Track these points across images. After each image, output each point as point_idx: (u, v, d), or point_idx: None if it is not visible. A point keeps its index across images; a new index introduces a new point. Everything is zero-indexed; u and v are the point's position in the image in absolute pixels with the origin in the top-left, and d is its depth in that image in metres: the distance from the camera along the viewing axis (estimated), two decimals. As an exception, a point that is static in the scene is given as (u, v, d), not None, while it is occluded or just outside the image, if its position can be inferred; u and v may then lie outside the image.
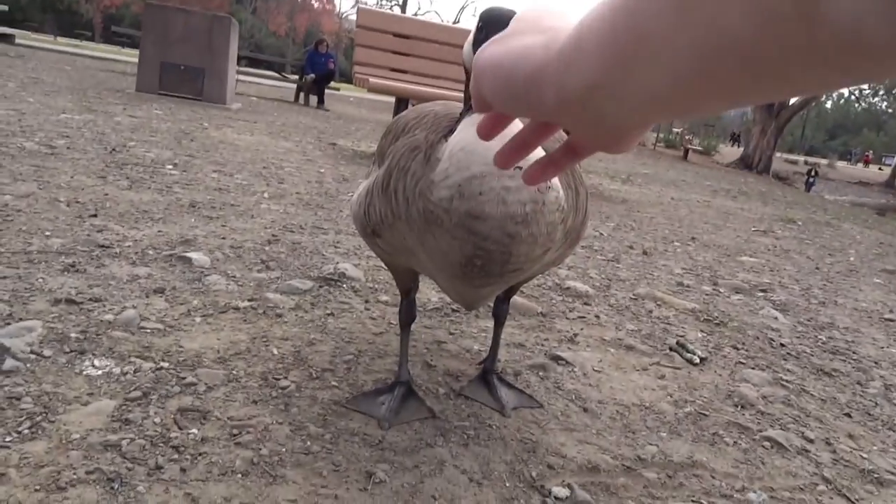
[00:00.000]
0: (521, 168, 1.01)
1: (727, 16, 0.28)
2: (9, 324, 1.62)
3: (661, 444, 1.61)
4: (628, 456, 1.52)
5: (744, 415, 1.86)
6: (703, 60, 0.31)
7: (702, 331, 2.56)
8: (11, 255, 2.09)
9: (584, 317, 2.48)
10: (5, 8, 14.86)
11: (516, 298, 2.49)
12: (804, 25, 0.26)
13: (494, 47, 0.49)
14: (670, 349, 2.27)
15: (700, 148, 22.97)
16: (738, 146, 27.62)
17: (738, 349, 2.41)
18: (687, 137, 23.53)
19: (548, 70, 0.42)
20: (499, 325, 1.74)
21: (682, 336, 2.41)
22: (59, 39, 34.58)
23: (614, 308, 2.67)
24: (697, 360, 2.19)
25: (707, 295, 3.15)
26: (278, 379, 1.60)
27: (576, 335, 2.26)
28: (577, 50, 0.39)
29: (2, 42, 13.01)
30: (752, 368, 2.22)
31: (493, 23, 0.99)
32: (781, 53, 0.28)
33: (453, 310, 2.32)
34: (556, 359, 2.01)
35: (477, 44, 1.02)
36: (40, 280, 1.94)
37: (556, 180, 1.12)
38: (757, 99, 0.33)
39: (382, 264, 2.69)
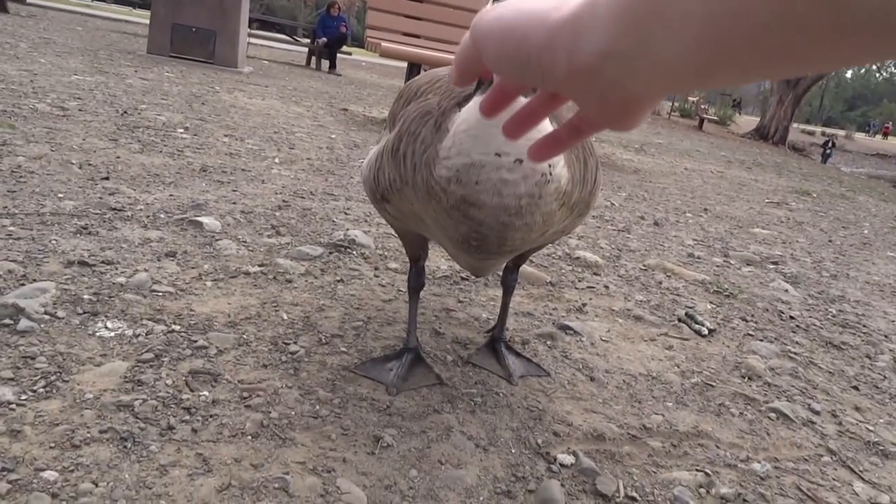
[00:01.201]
0: (521, 161, 1.03)
1: None
2: (23, 285, 1.64)
3: (667, 413, 1.62)
4: (633, 425, 1.53)
5: (750, 386, 1.86)
6: (720, 32, 0.30)
7: (711, 302, 2.55)
8: (25, 217, 2.11)
9: (593, 287, 2.48)
10: (16, -33, 14.71)
11: (525, 268, 2.49)
12: (829, 3, 0.26)
13: (502, 10, 0.47)
14: (679, 320, 2.27)
15: (716, 118, 22.63)
16: (740, 113, 27.12)
17: (746, 321, 2.40)
18: (703, 107, 23.18)
19: (560, 36, 0.41)
20: (507, 293, 1.75)
21: (691, 307, 2.41)
22: (70, -1, 34.29)
23: (624, 279, 2.66)
24: (706, 332, 2.19)
25: (718, 266, 3.14)
26: (288, 344, 1.62)
27: (584, 305, 2.26)
28: (592, 16, 0.38)
29: (13, 1, 12.93)
30: (761, 340, 2.22)
31: None
32: (803, 32, 0.27)
33: (462, 278, 2.32)
34: (565, 328, 2.02)
35: None
36: (53, 242, 1.96)
37: (560, 166, 1.10)
38: (771, 75, 0.32)
39: (392, 231, 2.70)
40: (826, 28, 0.26)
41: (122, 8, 34.24)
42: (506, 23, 0.46)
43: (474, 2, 6.76)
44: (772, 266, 3.34)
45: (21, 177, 2.52)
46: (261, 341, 1.61)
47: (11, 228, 2.00)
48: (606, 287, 2.51)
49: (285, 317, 1.76)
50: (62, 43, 8.33)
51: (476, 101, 1.08)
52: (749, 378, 1.91)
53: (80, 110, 4.05)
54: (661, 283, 2.69)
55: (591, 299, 2.34)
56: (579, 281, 2.52)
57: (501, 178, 1.05)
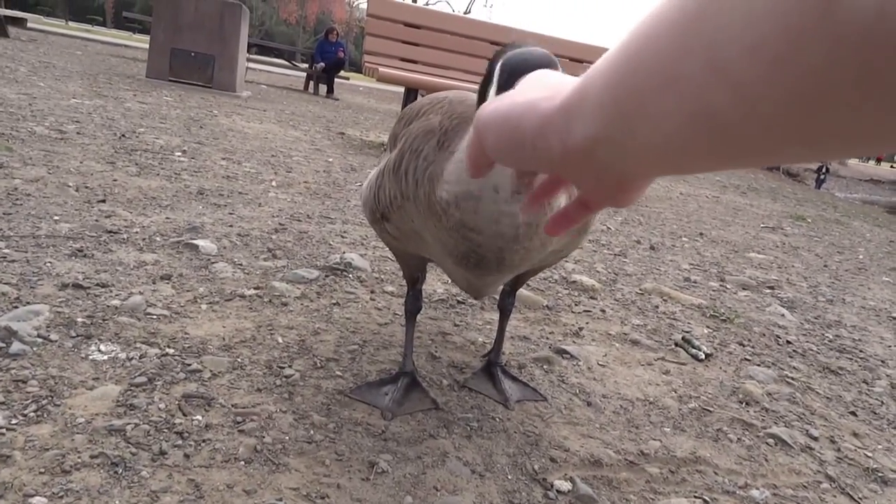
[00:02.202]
0: (519, 194, 1.06)
1: (713, 94, 0.29)
2: (16, 307, 1.63)
3: (665, 439, 1.60)
4: (631, 451, 1.52)
5: (748, 411, 1.85)
6: (696, 128, 0.32)
7: (708, 327, 2.55)
8: (20, 239, 2.10)
9: (589, 311, 2.48)
10: (17, -8, 14.85)
11: (522, 291, 2.48)
12: (795, 110, 0.27)
13: (498, 103, 0.50)
14: (676, 344, 2.26)
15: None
16: None
17: (743, 346, 2.40)
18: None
19: (553, 121, 0.43)
20: (504, 317, 1.74)
21: (687, 332, 2.40)
22: (71, 24, 34.63)
23: (620, 303, 2.66)
24: (703, 356, 2.19)
25: (714, 291, 3.14)
26: (283, 367, 1.60)
27: (581, 329, 2.25)
28: (581, 102, 0.40)
29: (14, 26, 13.03)
30: (758, 365, 2.21)
31: (518, 71, 0.82)
32: (770, 132, 0.29)
33: (459, 301, 2.32)
34: (561, 352, 2.01)
35: (500, 89, 0.93)
36: (48, 264, 1.95)
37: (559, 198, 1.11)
38: (749, 164, 0.33)
39: (389, 255, 2.70)
40: (792, 130, 0.28)
41: (122, 33, 34.55)
42: (502, 113, 0.49)
43: (469, 27, 6.84)
44: (768, 291, 3.34)
45: (17, 199, 2.52)
46: (255, 365, 1.59)
47: (6, 251, 1.99)
48: (603, 311, 2.50)
49: (280, 340, 1.75)
50: (62, 67, 8.39)
51: None
52: (746, 403, 1.90)
53: (78, 133, 4.06)
54: (657, 307, 2.68)
55: (587, 323, 2.33)
56: (576, 305, 2.52)
57: (500, 210, 1.08)
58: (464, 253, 1.15)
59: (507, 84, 0.92)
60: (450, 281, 2.51)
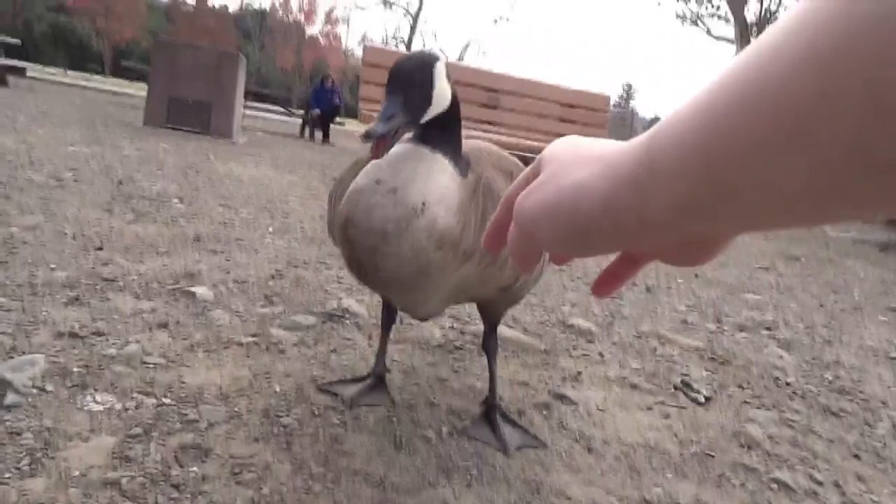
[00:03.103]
0: (395, 190, 1.19)
1: (874, 137, 0.25)
2: (12, 357, 1.62)
3: (667, 484, 1.58)
4: (634, 497, 1.50)
5: (750, 455, 1.83)
6: (822, 182, 0.28)
7: (706, 369, 2.54)
8: (16, 287, 2.10)
9: (587, 354, 2.47)
10: (18, 42, 15.12)
11: (519, 336, 2.48)
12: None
13: (539, 192, 0.46)
14: (675, 388, 2.25)
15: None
16: None
17: (743, 388, 2.39)
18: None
19: (621, 198, 0.39)
20: (490, 358, 1.75)
21: (686, 374, 2.39)
22: (70, 73, 35.14)
23: (618, 346, 2.65)
24: (702, 399, 2.17)
25: (711, 332, 3.13)
26: (280, 416, 1.59)
27: (580, 373, 2.24)
28: (652, 173, 0.36)
29: (13, 75, 13.21)
30: (758, 408, 2.20)
31: (399, 77, 1.16)
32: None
33: (457, 347, 2.31)
34: (561, 397, 2.00)
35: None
36: (44, 313, 1.94)
37: (436, 205, 1.21)
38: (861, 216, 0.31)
39: (386, 299, 2.70)
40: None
41: (120, 81, 35.01)
42: (550, 203, 0.44)
43: (463, 74, 6.98)
44: (765, 332, 3.34)
45: (14, 247, 2.52)
46: (252, 413, 1.58)
47: (2, 299, 1.98)
48: (601, 354, 2.50)
49: (278, 388, 1.74)
50: (60, 115, 8.48)
51: (400, 145, 1.27)
52: (748, 447, 1.89)
53: (75, 181, 4.09)
54: (655, 349, 2.68)
55: (585, 367, 2.32)
56: (574, 348, 2.51)
57: (374, 202, 1.18)
58: (348, 260, 1.25)
59: (393, 91, 1.16)
60: (434, 325, 2.51)
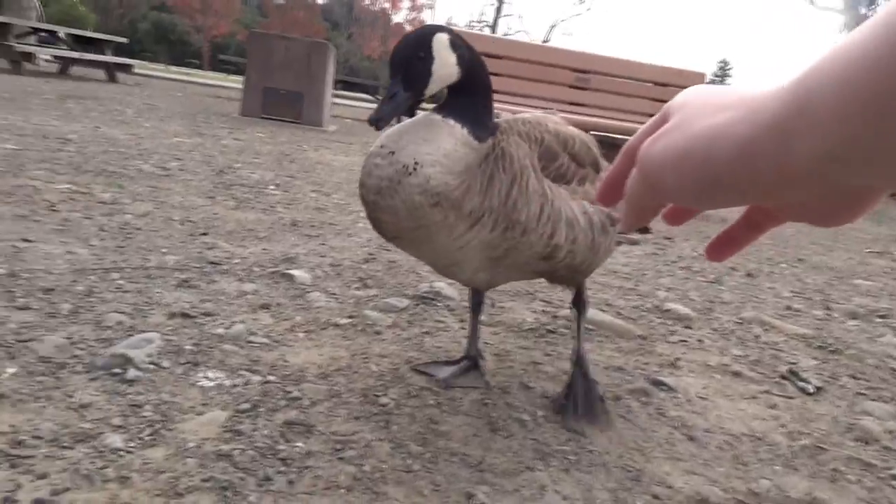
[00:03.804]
0: (392, 153, 1.33)
1: None
2: (130, 335, 1.73)
3: (776, 478, 1.51)
4: (740, 489, 1.44)
5: (866, 450, 1.72)
6: None
7: (815, 358, 2.40)
8: (132, 271, 2.24)
9: (685, 341, 2.39)
10: (125, 40, 16.05)
11: (613, 320, 2.43)
12: None
13: (668, 138, 0.44)
14: (781, 377, 2.14)
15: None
16: None
17: (856, 379, 2.24)
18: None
19: (761, 143, 0.37)
20: (576, 317, 1.80)
21: (793, 363, 2.27)
22: (171, 68, 37.02)
23: (718, 332, 2.55)
24: (812, 390, 2.06)
25: (819, 320, 2.96)
26: (378, 396, 1.62)
27: (678, 360, 2.17)
28: (802, 115, 0.34)
29: (122, 71, 14.05)
30: (874, 400, 2.06)
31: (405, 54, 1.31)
32: None
33: (549, 330, 2.28)
34: (658, 384, 1.94)
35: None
36: (158, 294, 2.06)
37: (428, 166, 1.31)
38: None
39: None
40: None
41: (218, 74, 36.58)
42: (680, 148, 0.42)
43: (549, 55, 6.85)
44: (879, 320, 3.13)
45: (129, 233, 2.69)
46: (352, 393, 1.62)
47: (120, 282, 2.12)
48: (700, 341, 2.41)
49: (374, 368, 1.78)
50: (164, 108, 8.96)
51: (421, 116, 1.41)
52: (864, 441, 1.77)
53: (180, 170, 4.31)
54: (758, 337, 2.56)
55: (684, 353, 2.25)
56: (671, 334, 2.44)
57: (375, 163, 1.34)
58: (367, 217, 1.42)
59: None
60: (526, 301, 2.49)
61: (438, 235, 1.38)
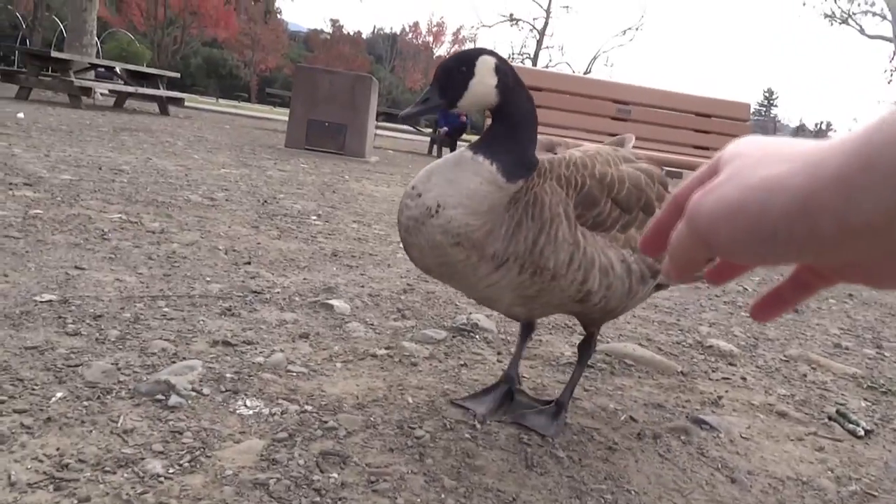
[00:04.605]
0: (420, 195, 1.42)
1: None
2: (174, 362, 1.77)
3: (823, 524, 1.46)
4: (784, 535, 1.39)
5: (921, 498, 1.65)
6: None
7: (865, 399, 2.32)
8: (178, 299, 2.30)
9: (728, 378, 2.33)
10: (177, 75, 16.69)
11: (653, 355, 2.39)
12: None
13: (721, 190, 0.42)
14: (829, 418, 2.07)
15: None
16: None
17: (910, 422, 2.15)
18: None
19: (822, 197, 0.36)
20: (580, 360, 1.79)
21: (842, 404, 2.20)
22: (221, 101, 38.24)
23: (762, 370, 2.48)
24: (862, 433, 1.98)
25: (870, 359, 2.86)
26: (413, 428, 1.62)
27: (720, 398, 2.12)
28: (868, 170, 0.33)
29: (173, 105, 14.58)
30: (930, 445, 1.98)
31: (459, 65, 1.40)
32: None
33: (588, 365, 2.26)
34: (699, 422, 1.90)
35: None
36: (201, 322, 2.11)
37: (451, 208, 1.38)
38: None
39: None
40: None
41: (265, 107, 37.63)
42: (734, 201, 0.41)
43: (590, 87, 6.87)
44: (935, 360, 3.00)
45: (175, 262, 2.76)
46: (387, 424, 1.62)
47: (166, 309, 2.18)
48: (744, 378, 2.35)
49: (411, 400, 1.78)
50: (213, 140, 9.24)
51: (455, 153, 1.47)
52: (919, 488, 1.69)
53: (226, 200, 4.43)
54: (805, 375, 2.48)
55: (727, 391, 2.19)
56: (713, 371, 2.38)
57: (406, 203, 1.44)
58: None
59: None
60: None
61: (464, 273, 1.45)
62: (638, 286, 1.55)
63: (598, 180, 1.51)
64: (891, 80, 23.33)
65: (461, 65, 1.39)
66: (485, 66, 1.39)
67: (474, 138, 1.58)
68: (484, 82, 1.39)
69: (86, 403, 1.50)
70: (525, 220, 1.42)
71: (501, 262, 1.42)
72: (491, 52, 1.43)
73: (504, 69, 1.41)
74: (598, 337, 2.55)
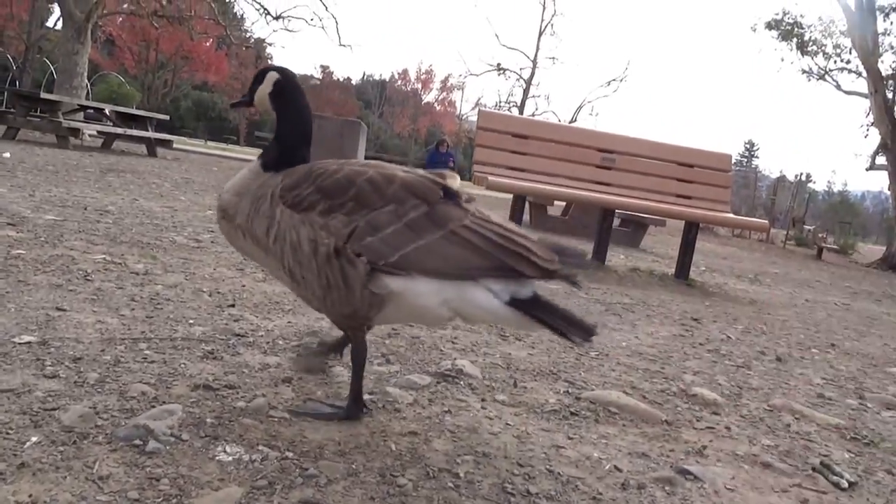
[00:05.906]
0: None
1: None
2: (153, 406, 1.74)
3: (809, 578, 1.44)
4: (770, 590, 1.37)
5: (906, 552, 1.64)
6: None
7: (849, 450, 2.31)
8: (159, 341, 2.27)
9: (713, 427, 2.33)
10: (166, 117, 16.80)
11: (638, 404, 2.38)
12: None
13: None
14: (813, 469, 2.07)
15: (836, 246, 21.49)
16: (804, 232, 23.77)
17: (893, 474, 2.15)
18: (821, 235, 22.18)
19: None
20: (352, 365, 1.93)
21: (826, 455, 2.19)
22: (209, 143, 38.44)
23: (747, 419, 2.48)
24: (846, 485, 1.98)
25: (853, 410, 2.87)
26: (396, 476, 1.60)
27: (704, 447, 2.11)
28: None
29: (161, 146, 14.62)
30: (913, 497, 1.97)
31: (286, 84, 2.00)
32: None
33: (572, 413, 2.25)
34: (684, 472, 1.88)
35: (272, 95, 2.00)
36: (182, 365, 2.08)
37: (224, 192, 1.91)
38: None
39: (500, 362, 2.68)
40: None
41: (253, 150, 37.82)
42: None
43: (575, 135, 6.99)
44: (917, 410, 3.02)
45: (158, 304, 2.74)
46: (369, 472, 1.60)
47: (147, 352, 2.15)
48: (728, 428, 2.34)
49: (393, 447, 1.76)
50: (200, 181, 9.26)
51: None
52: (904, 541, 1.69)
53: (212, 242, 4.42)
54: (789, 426, 2.48)
55: (711, 441, 2.19)
56: (697, 420, 2.38)
57: (220, 194, 1.94)
58: None
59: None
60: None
61: (239, 246, 1.92)
62: (325, 266, 1.68)
63: (309, 169, 1.80)
64: (867, 135, 23.91)
65: (260, 75, 1.94)
66: (269, 78, 1.92)
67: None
68: (263, 90, 1.93)
69: (61, 448, 1.47)
70: (255, 200, 1.79)
71: (244, 233, 1.82)
72: (280, 69, 1.94)
73: (282, 83, 1.91)
74: (584, 383, 2.55)
